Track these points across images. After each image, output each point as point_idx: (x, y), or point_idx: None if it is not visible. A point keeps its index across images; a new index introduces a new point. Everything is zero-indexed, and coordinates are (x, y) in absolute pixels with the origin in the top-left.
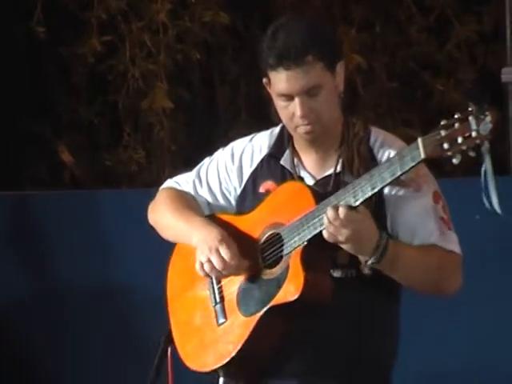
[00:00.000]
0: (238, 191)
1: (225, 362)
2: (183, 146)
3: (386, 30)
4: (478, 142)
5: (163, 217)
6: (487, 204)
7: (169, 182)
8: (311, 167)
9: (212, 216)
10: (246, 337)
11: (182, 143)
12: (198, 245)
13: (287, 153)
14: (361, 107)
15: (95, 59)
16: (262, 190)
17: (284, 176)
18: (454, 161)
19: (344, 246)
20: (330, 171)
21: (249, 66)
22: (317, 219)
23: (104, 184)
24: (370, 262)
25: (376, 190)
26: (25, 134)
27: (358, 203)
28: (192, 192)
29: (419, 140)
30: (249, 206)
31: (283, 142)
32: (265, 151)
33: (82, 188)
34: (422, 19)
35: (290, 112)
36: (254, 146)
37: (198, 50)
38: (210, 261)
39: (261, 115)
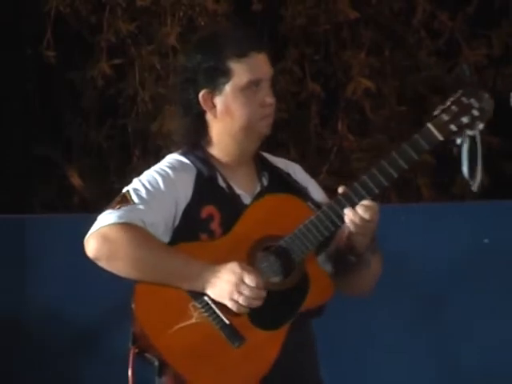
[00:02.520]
0: (177, 221)
1: (260, 377)
2: None
3: (395, 54)
4: (484, 118)
5: (139, 259)
6: (471, 183)
7: (119, 216)
8: (241, 185)
9: (178, 247)
10: (277, 349)
11: None
12: (215, 287)
13: (219, 173)
14: (370, 131)
15: (105, 82)
16: (203, 215)
17: (223, 197)
18: (458, 141)
19: (361, 238)
20: (258, 187)
21: None
22: (327, 221)
23: None
24: (370, 252)
25: (392, 180)
26: (35, 157)
27: (376, 195)
28: (144, 224)
29: (430, 125)
30: (189, 234)
31: (210, 164)
32: (193, 176)
33: (91, 211)
34: (431, 43)
35: (257, 102)
36: (182, 172)
37: None
38: (242, 294)
39: (269, 139)
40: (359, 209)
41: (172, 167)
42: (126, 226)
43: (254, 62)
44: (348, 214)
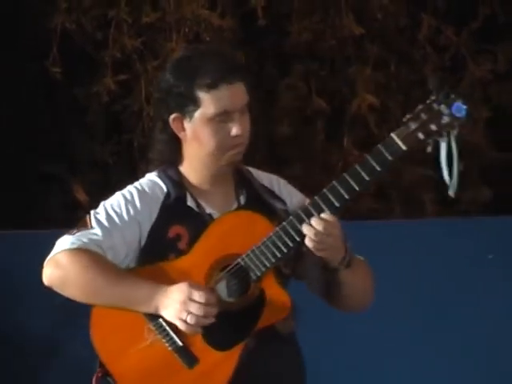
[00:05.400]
0: (143, 241)
1: None
2: None
3: (400, 69)
4: (455, 124)
5: (91, 283)
6: (451, 191)
7: (72, 242)
8: (214, 204)
9: (137, 270)
10: (231, 370)
11: None
12: (166, 308)
13: (188, 194)
14: (375, 146)
15: (110, 98)
16: (170, 235)
17: (192, 217)
18: (429, 149)
19: (325, 253)
20: (234, 205)
21: (263, 104)
22: (286, 238)
23: None
24: (344, 266)
25: (354, 194)
26: (41, 173)
27: (337, 208)
28: (103, 250)
29: (393, 135)
30: (158, 255)
31: (181, 184)
32: (161, 197)
33: None
34: (436, 58)
35: (225, 133)
36: (149, 194)
37: None
38: (190, 313)
39: (276, 155)
40: (313, 222)
41: (139, 188)
42: (76, 251)
43: (223, 94)
44: (303, 230)
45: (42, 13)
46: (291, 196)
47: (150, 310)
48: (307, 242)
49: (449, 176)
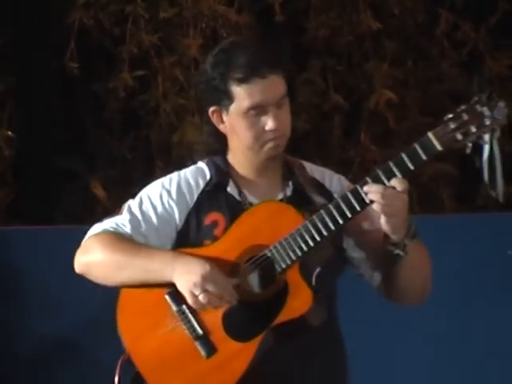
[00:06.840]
0: (179, 227)
1: None
2: None
3: (418, 65)
4: (495, 127)
5: (112, 259)
6: (493, 193)
7: (100, 227)
8: (258, 193)
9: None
10: (247, 362)
11: None
12: (181, 277)
13: (231, 181)
14: (393, 142)
15: (127, 94)
16: (207, 222)
17: (231, 205)
18: (468, 150)
19: (394, 221)
20: (280, 196)
21: None
22: (314, 231)
23: None
24: (408, 239)
25: None
26: (58, 168)
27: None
28: (130, 234)
29: (430, 134)
30: (194, 241)
31: (224, 171)
32: (202, 184)
33: None
34: (454, 54)
35: (260, 127)
36: (190, 180)
37: None
38: (206, 290)
39: (293, 150)
40: (376, 187)
41: (181, 175)
42: (100, 235)
43: (255, 89)
44: (370, 196)
45: (60, 9)
46: (343, 188)
47: (166, 276)
48: (375, 206)
49: (490, 178)
